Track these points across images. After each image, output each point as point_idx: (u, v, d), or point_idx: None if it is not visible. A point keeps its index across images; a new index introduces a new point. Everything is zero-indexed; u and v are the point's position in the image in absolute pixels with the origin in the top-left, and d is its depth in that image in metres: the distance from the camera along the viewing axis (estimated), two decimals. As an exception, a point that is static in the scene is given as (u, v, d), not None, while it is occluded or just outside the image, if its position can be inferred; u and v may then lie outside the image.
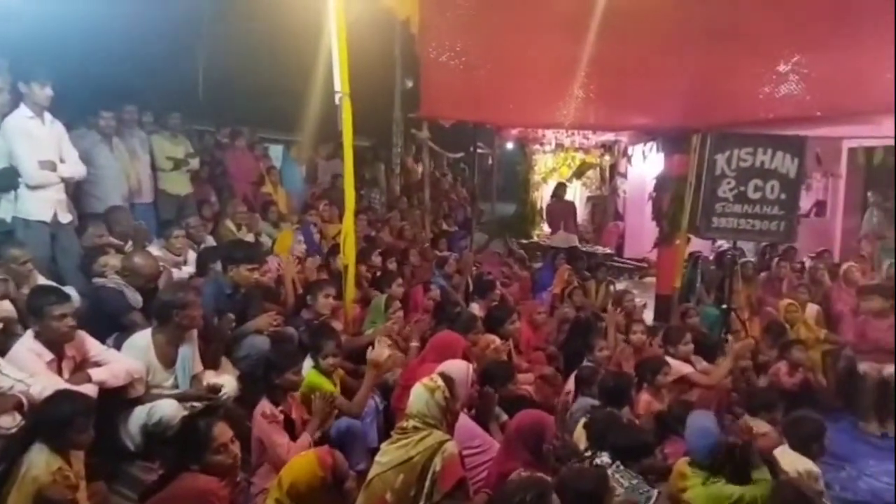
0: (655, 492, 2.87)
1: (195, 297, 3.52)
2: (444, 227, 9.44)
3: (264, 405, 3.27)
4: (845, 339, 5.82)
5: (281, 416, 3.23)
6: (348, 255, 4.76)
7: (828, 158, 9.32)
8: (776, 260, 7.46)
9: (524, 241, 10.59)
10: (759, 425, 3.73)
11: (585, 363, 4.63)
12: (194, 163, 6.34)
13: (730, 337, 5.62)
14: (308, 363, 3.79)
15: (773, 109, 6.03)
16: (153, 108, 6.27)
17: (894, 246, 8.05)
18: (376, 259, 5.78)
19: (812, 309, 6.37)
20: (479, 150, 10.37)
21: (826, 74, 5.70)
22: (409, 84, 7.97)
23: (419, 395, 2.91)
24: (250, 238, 6.06)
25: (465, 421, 3.32)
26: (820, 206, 10.52)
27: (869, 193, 9.30)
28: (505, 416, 3.73)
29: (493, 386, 3.74)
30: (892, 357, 5.33)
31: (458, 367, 3.43)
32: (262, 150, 8.13)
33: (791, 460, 3.21)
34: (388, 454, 2.84)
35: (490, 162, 12.16)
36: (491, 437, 3.50)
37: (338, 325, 4.42)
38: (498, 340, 4.58)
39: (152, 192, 6.02)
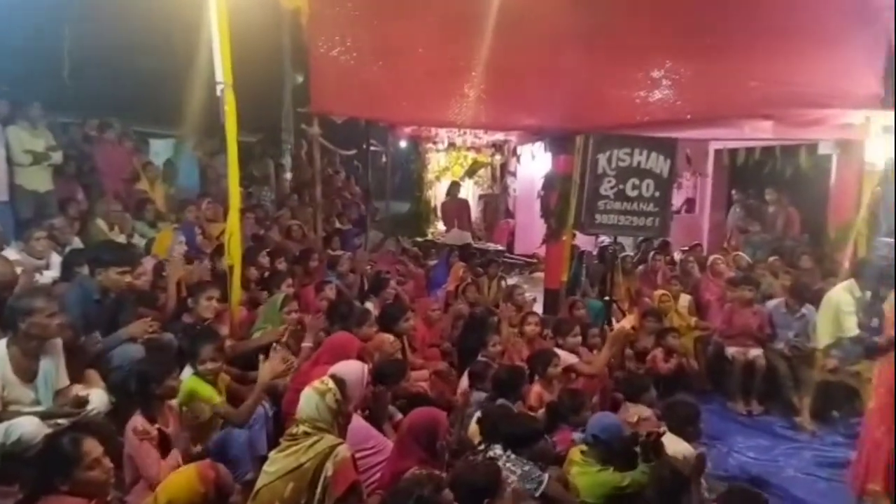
0: (546, 475, 2.94)
1: (46, 302, 3.17)
2: (338, 225, 9.25)
3: (136, 420, 3.02)
4: (714, 325, 6.28)
5: (155, 432, 3.00)
6: (233, 256, 4.52)
7: (696, 159, 10.02)
8: (652, 253, 7.91)
9: (419, 239, 10.60)
10: (641, 410, 3.93)
11: (479, 358, 4.68)
12: (56, 156, 5.81)
13: (610, 328, 5.91)
14: (189, 370, 3.56)
15: (648, 113, 6.38)
16: (9, 97, 5.66)
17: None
18: (264, 259, 5.54)
19: (684, 299, 6.83)
20: (372, 148, 10.27)
21: (694, 81, 6.11)
22: (300, 79, 7.74)
23: (309, 399, 2.80)
24: (122, 239, 5.62)
25: (358, 422, 3.25)
26: (690, 204, 11.32)
27: (733, 191, 10.12)
28: (399, 415, 3.69)
29: (386, 384, 3.69)
30: (756, 342, 5.83)
31: (353, 368, 3.35)
32: (136, 143, 7.58)
33: (670, 443, 3.38)
34: (277, 462, 2.71)
35: (384, 160, 12.07)
36: (385, 436, 3.45)
37: (224, 329, 4.18)
38: (391, 338, 4.53)
39: (8, 189, 5.44)
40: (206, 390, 3.44)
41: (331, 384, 2.84)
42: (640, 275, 7.65)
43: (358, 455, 3.01)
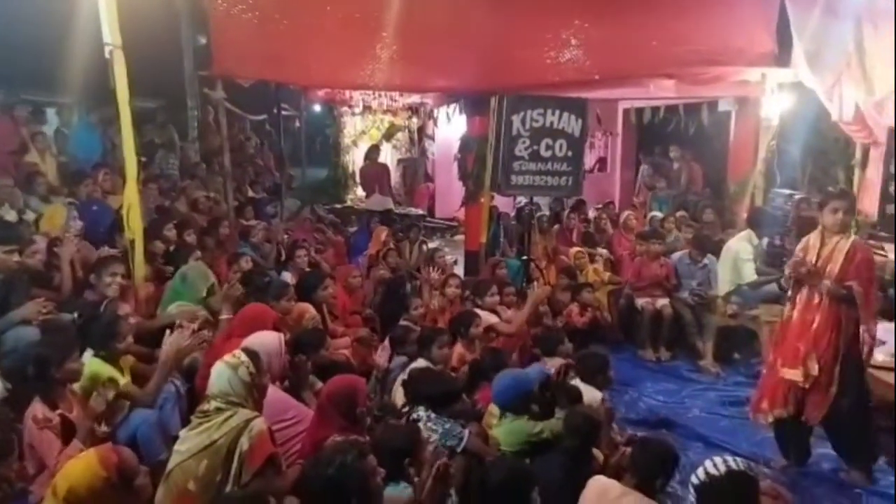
0: (467, 431, 2.99)
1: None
2: (251, 194, 8.90)
3: (35, 408, 2.82)
4: (625, 279, 6.54)
5: (57, 419, 2.81)
6: (134, 229, 4.25)
7: (606, 118, 10.29)
8: (567, 212, 8.10)
9: (338, 206, 10.38)
10: (556, 363, 4.05)
11: (402, 322, 4.67)
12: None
13: (533, 284, 6.03)
14: (90, 352, 3.34)
15: (559, 73, 6.44)
16: None
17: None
18: (170, 232, 5.25)
19: (602, 254, 7.06)
20: (284, 112, 9.88)
21: (601, 41, 6.19)
22: (203, 40, 7.26)
23: (220, 374, 2.69)
24: (12, 216, 5.17)
25: (276, 393, 3.17)
26: (602, 162, 11.63)
27: (642, 150, 10.47)
28: (320, 384, 3.63)
29: (306, 354, 3.61)
30: (664, 292, 6.12)
31: (267, 340, 3.26)
32: (30, 113, 6.95)
33: (583, 392, 3.50)
34: (189, 441, 2.60)
35: (297, 125, 11.66)
36: (306, 406, 3.39)
37: (127, 307, 3.95)
38: (311, 308, 4.43)
39: None
40: (109, 372, 3.25)
41: (243, 357, 2.74)
42: (557, 233, 7.83)
43: (277, 427, 2.94)
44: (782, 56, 6.65)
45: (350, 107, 10.11)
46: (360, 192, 11.04)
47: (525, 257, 6.54)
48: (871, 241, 5.66)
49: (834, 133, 7.33)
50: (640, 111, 8.95)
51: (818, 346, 3.65)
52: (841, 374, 3.62)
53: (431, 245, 8.29)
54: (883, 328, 4.70)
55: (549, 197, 8.39)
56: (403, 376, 3.54)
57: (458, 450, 2.91)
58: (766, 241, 6.00)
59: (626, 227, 7.57)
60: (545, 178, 6.08)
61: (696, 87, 7.02)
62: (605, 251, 7.07)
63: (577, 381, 3.71)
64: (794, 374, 3.71)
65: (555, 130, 5.99)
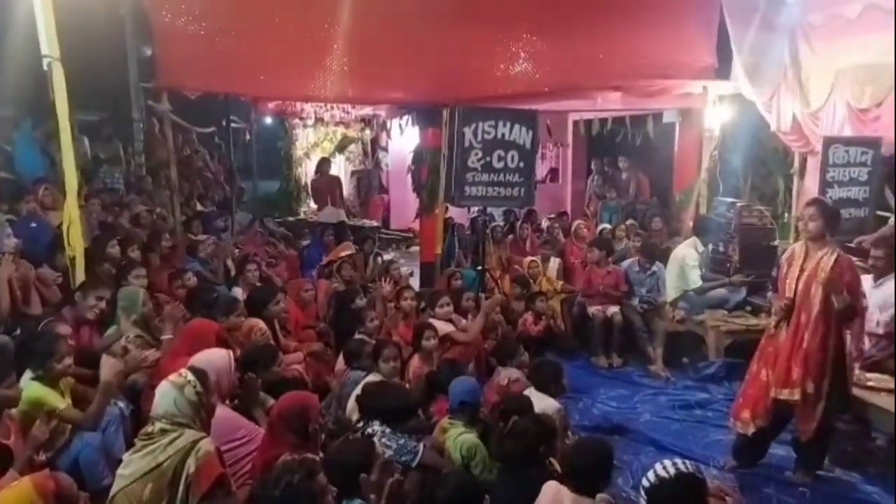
0: (421, 446, 2.97)
1: None
2: (200, 207, 8.69)
3: (-34, 434, 2.67)
4: (577, 287, 6.64)
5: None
6: (75, 246, 4.10)
7: (557, 130, 10.46)
8: (519, 222, 8.19)
9: (290, 219, 10.24)
10: (511, 373, 4.08)
11: (357, 336, 4.62)
12: None
13: (484, 295, 6.06)
14: (28, 375, 3.20)
15: (510, 85, 6.54)
16: None
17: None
18: (113, 249, 5.07)
19: (554, 262, 7.16)
20: (233, 125, 9.72)
21: (551, 55, 6.32)
22: (148, 51, 7.10)
23: (165, 394, 2.61)
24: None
25: (225, 413, 3.08)
26: (553, 173, 11.84)
27: (592, 160, 10.69)
28: (271, 401, 3.56)
29: (256, 371, 3.54)
30: (614, 300, 6.23)
31: (217, 357, 3.17)
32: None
33: (537, 401, 3.54)
34: (133, 464, 2.51)
35: (248, 137, 11.48)
36: (257, 424, 3.31)
37: (65, 327, 3.78)
38: (261, 324, 4.35)
39: None
40: (48, 395, 3.11)
41: (189, 376, 2.66)
42: (510, 243, 7.91)
43: (226, 447, 2.86)
44: (723, 69, 6.94)
45: (302, 119, 10.01)
46: (312, 204, 10.92)
47: (480, 267, 6.56)
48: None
49: (773, 143, 7.66)
50: (588, 123, 9.15)
51: (809, 364, 3.70)
52: (830, 389, 3.70)
53: (387, 257, 8.26)
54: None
55: (502, 207, 8.48)
56: (358, 391, 3.49)
57: (413, 465, 2.88)
58: (710, 247, 6.20)
59: (578, 236, 7.70)
60: (498, 188, 6.10)
61: (641, 99, 7.23)
62: (557, 260, 7.16)
63: (531, 391, 3.75)
64: (789, 395, 3.75)
65: (506, 142, 6.03)
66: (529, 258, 7.07)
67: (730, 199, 6.45)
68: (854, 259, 5.22)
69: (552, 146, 11.54)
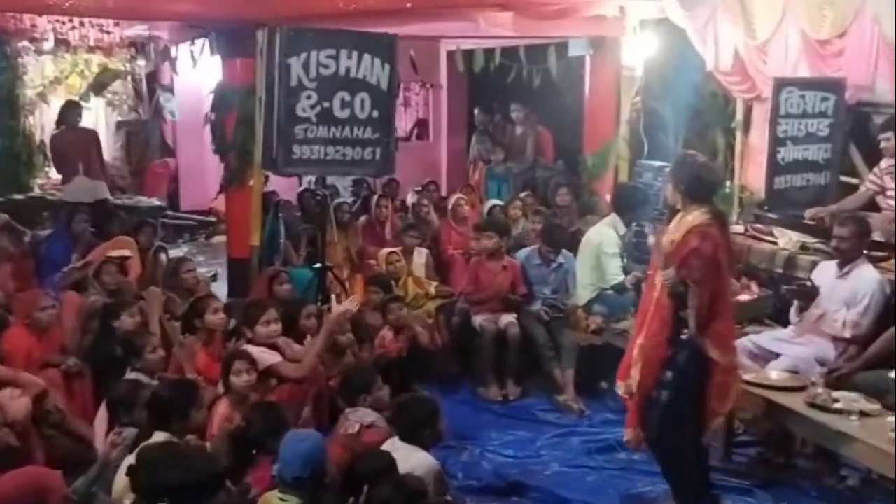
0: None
1: None
2: None
3: None
4: (458, 288, 6.74)
5: None
6: None
7: (425, 65, 10.52)
8: (375, 198, 8.19)
9: (18, 197, 9.62)
10: (363, 416, 4.11)
11: (128, 375, 4.46)
12: None
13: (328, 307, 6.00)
14: None
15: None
16: None
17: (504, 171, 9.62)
18: None
19: (421, 255, 7.22)
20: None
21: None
22: None
23: None
24: None
25: None
26: (422, 126, 11.98)
27: (476, 110, 10.88)
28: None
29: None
30: (509, 305, 6.38)
31: None
32: None
33: (403, 455, 3.56)
34: None
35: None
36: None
37: None
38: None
39: None
40: None
41: None
42: (363, 228, 7.90)
43: None
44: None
45: (33, 40, 9.40)
46: (53, 173, 10.26)
47: (319, 265, 6.49)
48: (758, 225, 6.42)
49: (712, 87, 8.21)
50: (469, 55, 9.28)
51: (644, 358, 4.14)
52: (671, 386, 4.08)
53: (176, 252, 7.99)
54: (770, 337, 5.36)
55: (349, 176, 8.44)
56: (131, 459, 3.32)
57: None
58: (634, 228, 6.53)
59: (457, 217, 7.83)
60: (342, 149, 6.07)
61: (539, 23, 7.47)
62: (425, 252, 7.24)
63: (394, 442, 3.75)
64: (620, 388, 4.24)
65: (353, 80, 6.00)
66: (387, 250, 7.08)
67: (657, 163, 6.85)
68: (813, 240, 5.81)
69: (419, 88, 11.64)
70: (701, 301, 3.99)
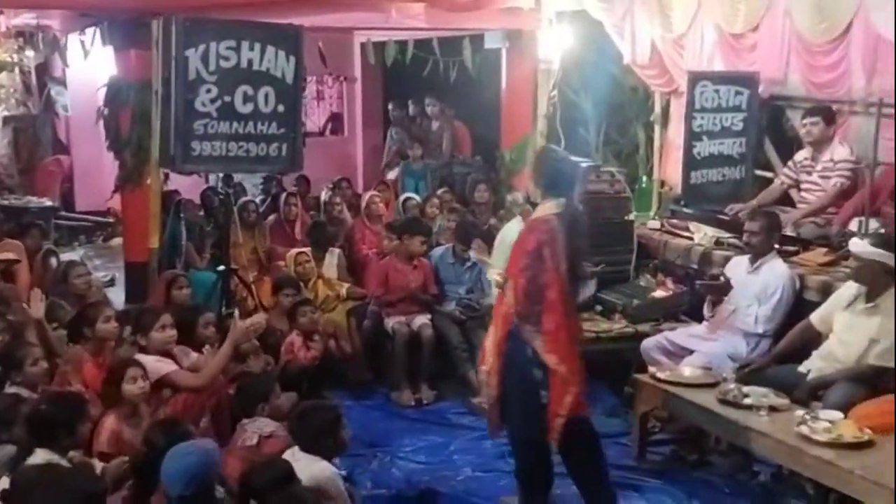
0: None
1: None
2: None
3: None
4: (370, 290, 6.75)
5: None
6: None
7: (337, 57, 10.53)
8: (284, 196, 8.14)
9: None
10: (262, 426, 4.10)
11: (7, 390, 4.33)
12: None
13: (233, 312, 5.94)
14: None
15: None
16: None
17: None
18: None
19: (334, 256, 7.21)
20: None
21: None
22: None
23: None
24: None
25: None
26: (336, 121, 11.95)
27: (390, 104, 10.91)
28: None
29: None
30: (422, 307, 6.44)
31: None
32: None
33: (303, 465, 3.57)
34: None
35: None
36: None
37: None
38: None
39: None
40: None
41: None
42: (271, 228, 7.88)
43: None
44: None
45: None
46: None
47: (223, 267, 6.43)
48: (675, 220, 6.60)
49: (631, 81, 8.40)
50: (380, 46, 9.28)
51: (493, 344, 4.34)
52: (506, 380, 4.26)
53: (68, 256, 7.84)
54: (684, 333, 5.53)
55: (255, 174, 8.37)
56: (5, 484, 3.25)
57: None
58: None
59: (371, 215, 7.84)
60: (245, 145, 6.04)
61: (451, 14, 7.53)
62: (337, 251, 7.24)
63: (294, 452, 3.75)
64: (481, 372, 4.49)
65: (256, 73, 5.97)
66: (297, 250, 7.05)
67: (576, 159, 6.95)
68: (727, 235, 6.01)
69: (333, 81, 11.62)
70: (515, 294, 4.15)
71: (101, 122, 7.34)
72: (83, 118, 10.50)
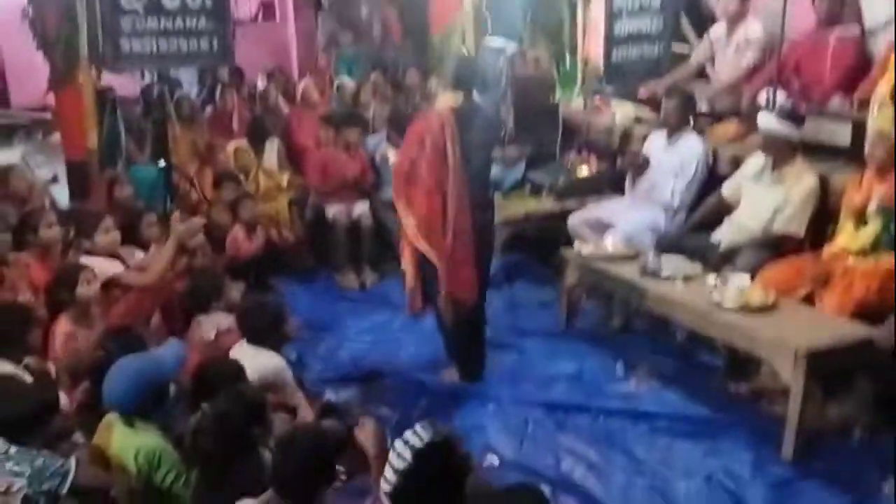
0: (73, 461, 2.84)
1: None
2: None
3: None
4: (310, 181, 6.68)
5: None
6: None
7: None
8: (220, 88, 7.90)
9: None
10: (219, 320, 4.11)
11: None
12: None
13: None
14: None
15: None
16: None
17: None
18: None
19: (273, 146, 7.08)
20: None
21: None
22: None
23: None
24: None
25: None
26: (267, 8, 11.48)
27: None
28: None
29: None
30: (361, 194, 6.40)
31: None
32: None
33: (251, 359, 3.58)
34: None
35: None
36: None
37: None
38: None
39: None
40: None
41: None
42: (209, 121, 7.69)
43: None
44: None
45: None
46: None
47: (164, 163, 6.29)
48: (599, 99, 6.58)
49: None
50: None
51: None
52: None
53: (10, 153, 7.58)
54: (606, 209, 5.60)
55: (190, 68, 8.08)
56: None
57: (64, 491, 2.76)
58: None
59: (307, 104, 7.67)
60: (175, 40, 5.82)
61: None
62: (276, 141, 7.11)
63: (242, 346, 3.77)
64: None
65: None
66: (234, 143, 6.90)
67: (500, 43, 6.81)
68: (648, 113, 6.01)
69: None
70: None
71: (28, 23, 6.96)
72: (10, 14, 9.95)
